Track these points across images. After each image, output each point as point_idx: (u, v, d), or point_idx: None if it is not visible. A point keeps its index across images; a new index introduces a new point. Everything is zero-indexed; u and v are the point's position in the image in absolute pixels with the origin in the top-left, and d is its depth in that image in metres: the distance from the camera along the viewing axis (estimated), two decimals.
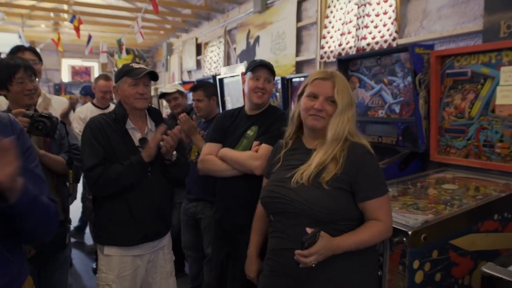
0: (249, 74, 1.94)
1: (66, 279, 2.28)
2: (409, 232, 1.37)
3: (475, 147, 2.12)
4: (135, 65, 1.86)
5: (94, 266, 3.41)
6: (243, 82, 1.99)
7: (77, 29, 5.70)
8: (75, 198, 3.58)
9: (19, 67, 1.89)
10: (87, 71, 9.84)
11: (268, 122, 1.84)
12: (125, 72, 1.83)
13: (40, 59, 2.35)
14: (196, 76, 6.62)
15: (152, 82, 1.90)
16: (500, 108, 1.99)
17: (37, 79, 2.06)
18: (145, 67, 1.89)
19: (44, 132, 1.76)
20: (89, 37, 6.35)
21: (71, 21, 5.72)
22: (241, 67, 4.37)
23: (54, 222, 1.14)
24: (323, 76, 1.39)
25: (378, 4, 3.01)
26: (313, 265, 1.19)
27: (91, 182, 1.71)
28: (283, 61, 4.19)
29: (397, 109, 2.49)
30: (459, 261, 1.53)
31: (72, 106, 2.86)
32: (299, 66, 4.01)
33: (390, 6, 2.90)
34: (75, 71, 9.68)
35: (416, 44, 2.43)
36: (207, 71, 6.24)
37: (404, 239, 1.37)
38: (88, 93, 4.38)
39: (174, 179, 1.92)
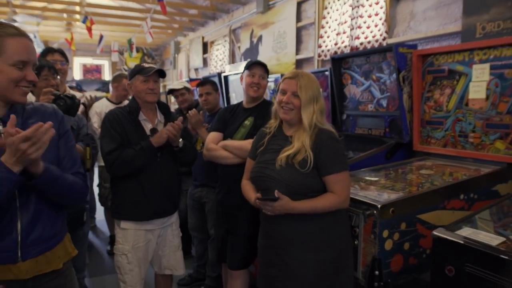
0: (246, 72, 2.21)
1: (84, 254, 2.56)
2: (379, 206, 1.61)
3: (452, 137, 2.35)
4: (146, 65, 2.14)
5: (109, 248, 3.69)
6: (241, 79, 2.26)
7: (89, 29, 5.98)
8: None
9: (44, 67, 2.21)
10: (97, 69, 10.16)
11: (262, 114, 2.09)
12: (137, 71, 2.10)
13: (67, 60, 2.64)
14: (203, 73, 6.86)
15: (161, 79, 2.17)
16: (473, 102, 2.21)
17: (58, 77, 2.37)
18: (154, 65, 2.16)
19: (64, 108, 2.01)
20: (101, 37, 6.62)
21: (84, 22, 6.00)
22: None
23: (81, 193, 1.37)
24: (290, 76, 1.70)
25: (370, 6, 3.23)
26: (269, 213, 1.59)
27: (109, 164, 1.98)
28: (284, 59, 4.43)
29: (384, 103, 2.72)
30: (426, 234, 1.76)
31: (90, 106, 3.26)
32: (299, 64, 4.24)
33: (381, 8, 3.12)
34: (86, 69, 10.01)
35: (400, 44, 2.65)
36: (213, 69, 6.48)
37: (375, 212, 1.62)
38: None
39: (183, 162, 2.21)
